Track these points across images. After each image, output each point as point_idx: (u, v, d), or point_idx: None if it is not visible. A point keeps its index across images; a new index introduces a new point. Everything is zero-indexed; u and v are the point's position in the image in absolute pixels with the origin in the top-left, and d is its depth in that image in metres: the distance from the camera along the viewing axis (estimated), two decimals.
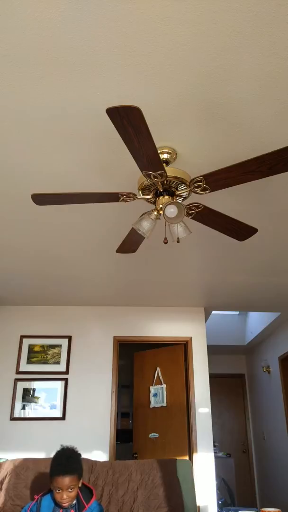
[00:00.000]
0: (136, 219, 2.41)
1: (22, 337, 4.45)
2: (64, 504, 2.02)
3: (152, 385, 4.58)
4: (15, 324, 4.52)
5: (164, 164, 1.93)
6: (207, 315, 4.95)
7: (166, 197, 1.89)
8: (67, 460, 2.07)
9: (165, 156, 2.01)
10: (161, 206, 1.87)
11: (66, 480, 2.00)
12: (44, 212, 2.62)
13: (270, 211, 2.62)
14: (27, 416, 4.13)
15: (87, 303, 4.57)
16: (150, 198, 1.94)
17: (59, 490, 2.01)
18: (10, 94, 1.70)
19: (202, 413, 4.23)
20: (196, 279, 3.87)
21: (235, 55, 1.52)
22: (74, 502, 2.07)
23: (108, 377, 4.34)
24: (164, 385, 4.50)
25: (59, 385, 4.26)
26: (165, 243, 1.86)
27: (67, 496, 2.01)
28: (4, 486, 2.55)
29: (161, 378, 4.56)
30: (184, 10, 1.36)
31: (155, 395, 4.52)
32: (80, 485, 2.10)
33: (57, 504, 2.05)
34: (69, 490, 2.01)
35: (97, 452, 3.99)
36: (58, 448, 2.20)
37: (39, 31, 1.44)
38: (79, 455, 2.18)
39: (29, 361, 4.35)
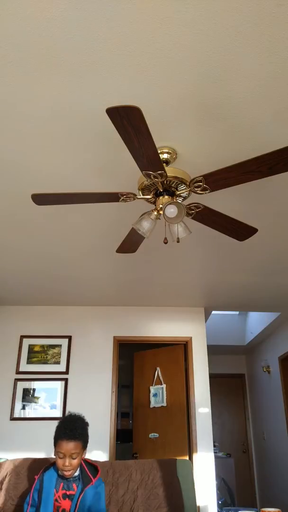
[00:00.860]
0: (136, 219, 2.41)
1: (22, 337, 4.45)
2: (66, 473, 1.95)
3: (152, 385, 4.58)
4: (15, 324, 4.52)
5: (164, 164, 1.93)
6: (207, 315, 4.95)
7: (166, 197, 1.89)
8: (74, 425, 2.02)
9: (165, 156, 2.01)
10: (161, 206, 1.87)
11: (71, 445, 1.95)
12: (44, 212, 2.62)
13: (270, 211, 2.62)
14: (27, 416, 4.13)
15: (87, 303, 4.57)
16: (150, 198, 1.94)
17: (62, 456, 1.96)
18: (10, 94, 1.70)
19: (202, 413, 4.23)
20: (196, 279, 3.87)
21: (235, 55, 1.52)
22: (77, 474, 2.02)
23: (108, 377, 4.34)
24: (164, 385, 4.50)
25: (59, 385, 4.26)
26: (165, 243, 1.86)
27: (69, 463, 1.94)
28: (4, 486, 2.55)
29: (161, 378, 4.56)
30: (184, 10, 1.36)
31: (155, 395, 4.52)
32: (84, 455, 2.06)
33: (60, 476, 2.00)
34: (72, 457, 1.95)
35: (97, 452, 3.99)
36: None
37: (39, 31, 1.44)
38: (87, 423, 2.15)
39: (29, 361, 4.35)
